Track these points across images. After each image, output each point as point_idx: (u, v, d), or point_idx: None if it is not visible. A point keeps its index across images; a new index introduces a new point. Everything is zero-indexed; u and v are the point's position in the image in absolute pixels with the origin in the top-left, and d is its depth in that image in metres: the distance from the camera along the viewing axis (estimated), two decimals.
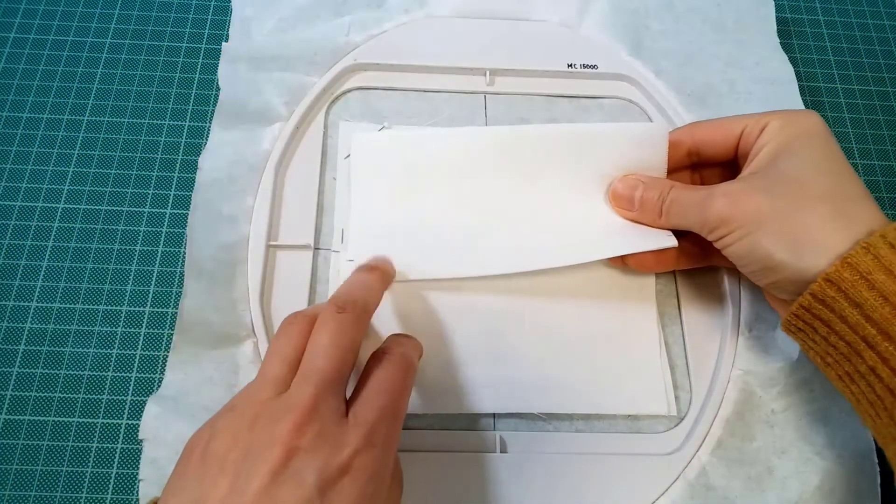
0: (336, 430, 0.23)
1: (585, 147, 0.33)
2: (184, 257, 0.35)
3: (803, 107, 0.39)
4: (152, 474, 0.29)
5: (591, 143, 0.33)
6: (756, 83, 0.40)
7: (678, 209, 0.31)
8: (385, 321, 0.33)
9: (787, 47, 0.41)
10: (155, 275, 0.35)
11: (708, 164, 0.33)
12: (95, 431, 0.32)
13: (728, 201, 0.28)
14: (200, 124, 0.40)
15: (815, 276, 0.26)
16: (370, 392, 0.24)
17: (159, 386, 0.31)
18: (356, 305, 0.26)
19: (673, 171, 0.33)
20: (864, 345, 0.25)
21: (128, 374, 0.33)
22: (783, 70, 0.40)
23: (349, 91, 0.39)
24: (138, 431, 0.30)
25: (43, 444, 0.32)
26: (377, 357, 0.26)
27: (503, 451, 0.31)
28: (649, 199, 0.32)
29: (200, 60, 0.42)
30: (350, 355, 0.25)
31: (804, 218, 0.27)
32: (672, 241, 0.31)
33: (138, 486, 0.29)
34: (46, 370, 0.33)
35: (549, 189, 0.34)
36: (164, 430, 0.30)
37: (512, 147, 0.34)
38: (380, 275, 0.30)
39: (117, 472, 0.31)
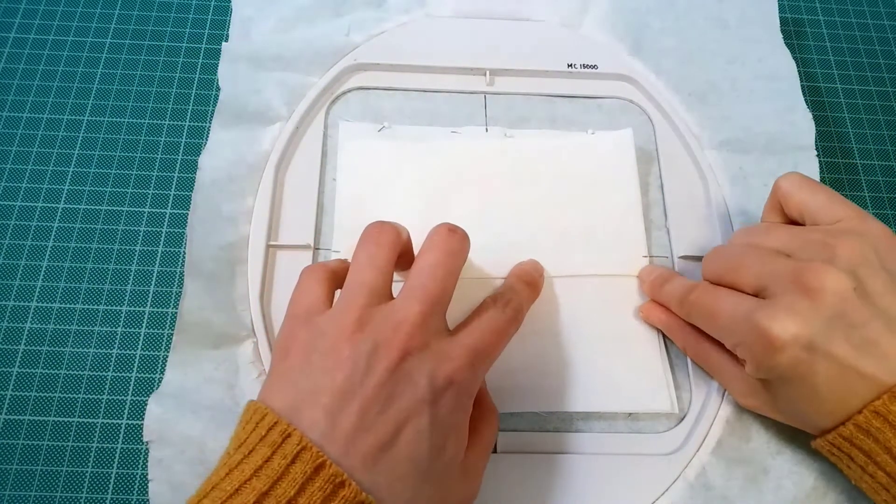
0: (441, 345, 0.24)
1: (559, 159, 0.37)
2: (184, 257, 0.35)
3: (802, 102, 0.39)
4: (160, 474, 0.29)
5: (565, 155, 0.37)
6: (758, 80, 0.40)
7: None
8: None
9: (787, 47, 0.41)
10: (155, 275, 0.35)
11: None
12: (95, 431, 0.32)
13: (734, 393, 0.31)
14: (200, 124, 0.40)
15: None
16: (478, 325, 0.26)
17: (159, 386, 0.31)
18: (464, 233, 0.27)
19: None
20: None
21: (128, 374, 0.33)
22: (786, 65, 0.40)
23: (349, 91, 0.39)
24: (138, 431, 0.30)
25: (43, 444, 0.32)
26: (494, 299, 0.28)
27: (502, 450, 0.31)
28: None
29: (200, 60, 0.42)
30: (453, 279, 0.26)
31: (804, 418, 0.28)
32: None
33: (148, 486, 0.29)
34: (46, 370, 0.33)
35: (526, 201, 0.36)
36: (167, 430, 0.30)
37: (492, 160, 0.36)
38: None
39: (117, 472, 0.31)
